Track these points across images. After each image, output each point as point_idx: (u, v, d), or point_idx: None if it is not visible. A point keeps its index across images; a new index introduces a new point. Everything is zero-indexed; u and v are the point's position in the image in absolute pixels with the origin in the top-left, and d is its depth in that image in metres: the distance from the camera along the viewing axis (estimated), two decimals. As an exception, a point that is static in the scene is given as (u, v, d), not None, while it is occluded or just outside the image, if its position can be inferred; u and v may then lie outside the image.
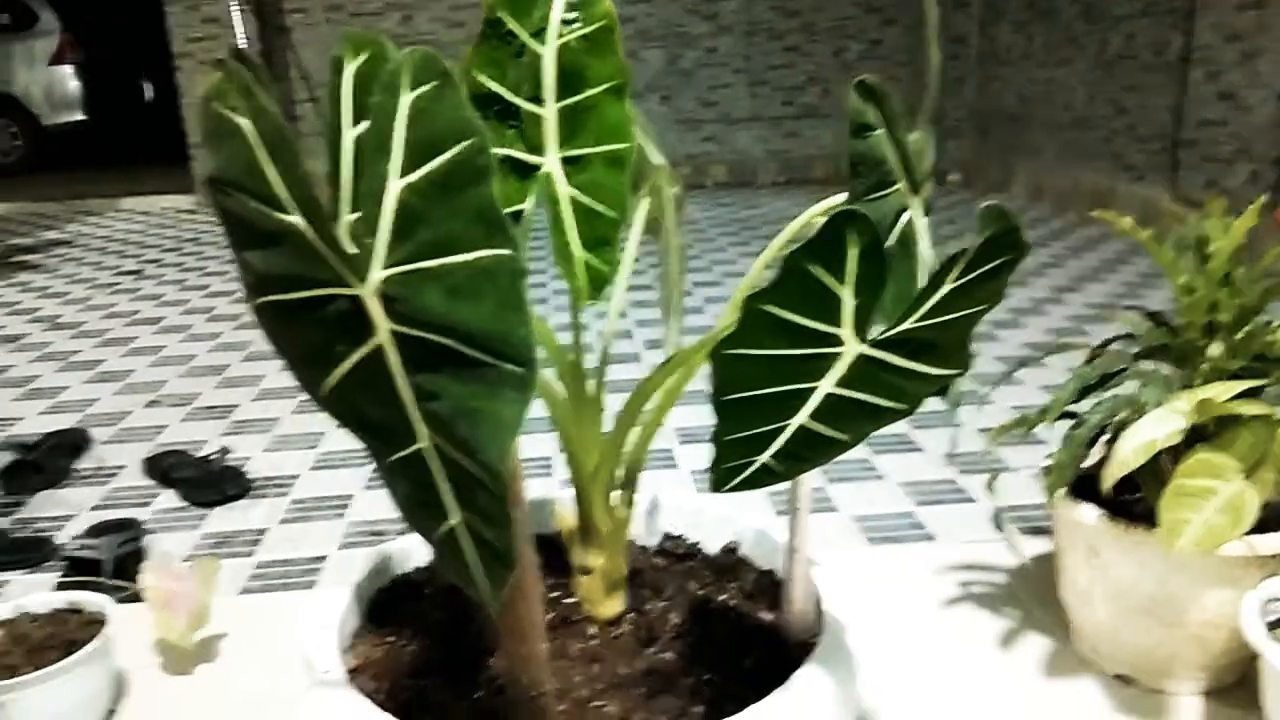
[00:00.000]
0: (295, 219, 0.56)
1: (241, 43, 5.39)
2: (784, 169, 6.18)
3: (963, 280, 0.57)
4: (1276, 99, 3.52)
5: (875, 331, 0.62)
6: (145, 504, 2.09)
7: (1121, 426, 1.23)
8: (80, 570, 1.74)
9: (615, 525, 0.87)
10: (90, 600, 1.35)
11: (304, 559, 1.85)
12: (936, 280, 0.57)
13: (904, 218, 0.77)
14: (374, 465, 0.70)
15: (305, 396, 2.56)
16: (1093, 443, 1.23)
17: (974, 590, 1.56)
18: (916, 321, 0.60)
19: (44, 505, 2.10)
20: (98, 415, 2.61)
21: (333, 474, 2.22)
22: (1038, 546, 1.67)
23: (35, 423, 2.56)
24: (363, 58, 0.68)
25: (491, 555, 0.64)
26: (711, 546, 1.06)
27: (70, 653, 1.23)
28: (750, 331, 0.61)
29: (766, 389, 0.68)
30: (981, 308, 0.61)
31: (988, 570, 1.62)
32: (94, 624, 1.32)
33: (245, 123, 0.55)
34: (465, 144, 0.56)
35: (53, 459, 2.27)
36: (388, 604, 0.97)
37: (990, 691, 1.31)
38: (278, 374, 2.91)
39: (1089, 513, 1.26)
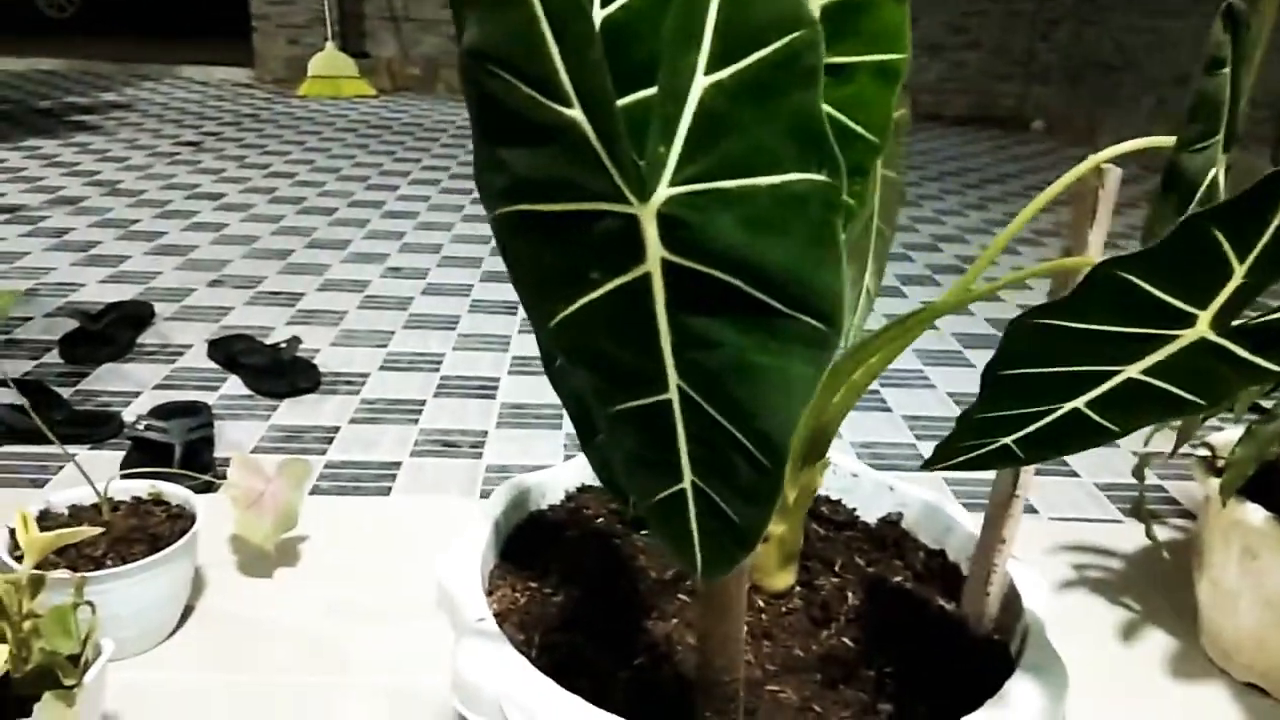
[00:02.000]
0: (576, 114, 0.46)
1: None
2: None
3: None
4: None
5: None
6: (212, 388, 2.02)
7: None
8: (147, 452, 1.68)
9: (802, 494, 0.77)
10: (174, 492, 1.28)
11: (377, 462, 1.78)
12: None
13: (1211, 175, 0.65)
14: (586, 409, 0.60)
15: (375, 293, 2.48)
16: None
17: (1089, 575, 1.47)
18: (1300, 310, 0.49)
19: (107, 379, 2.03)
20: (160, 290, 2.54)
21: (403, 376, 2.14)
22: (1162, 533, 1.58)
23: (96, 290, 2.49)
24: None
25: (729, 533, 0.55)
26: (869, 515, 0.97)
27: (157, 547, 1.17)
28: (1087, 302, 0.51)
29: (1063, 368, 0.58)
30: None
31: (1104, 554, 1.53)
32: (178, 518, 1.25)
33: (528, -13, 0.44)
34: (792, 37, 0.45)
35: (118, 330, 2.20)
36: (526, 542, 0.89)
37: (1107, 688, 1.22)
38: (343, 264, 2.82)
39: (1255, 513, 1.16)
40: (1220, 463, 1.26)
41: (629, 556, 0.85)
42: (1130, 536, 1.57)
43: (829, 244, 0.47)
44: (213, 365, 2.13)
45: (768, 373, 0.48)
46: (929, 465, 0.72)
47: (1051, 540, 1.56)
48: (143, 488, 1.27)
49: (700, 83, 0.46)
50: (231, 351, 2.14)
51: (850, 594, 0.82)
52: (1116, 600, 1.41)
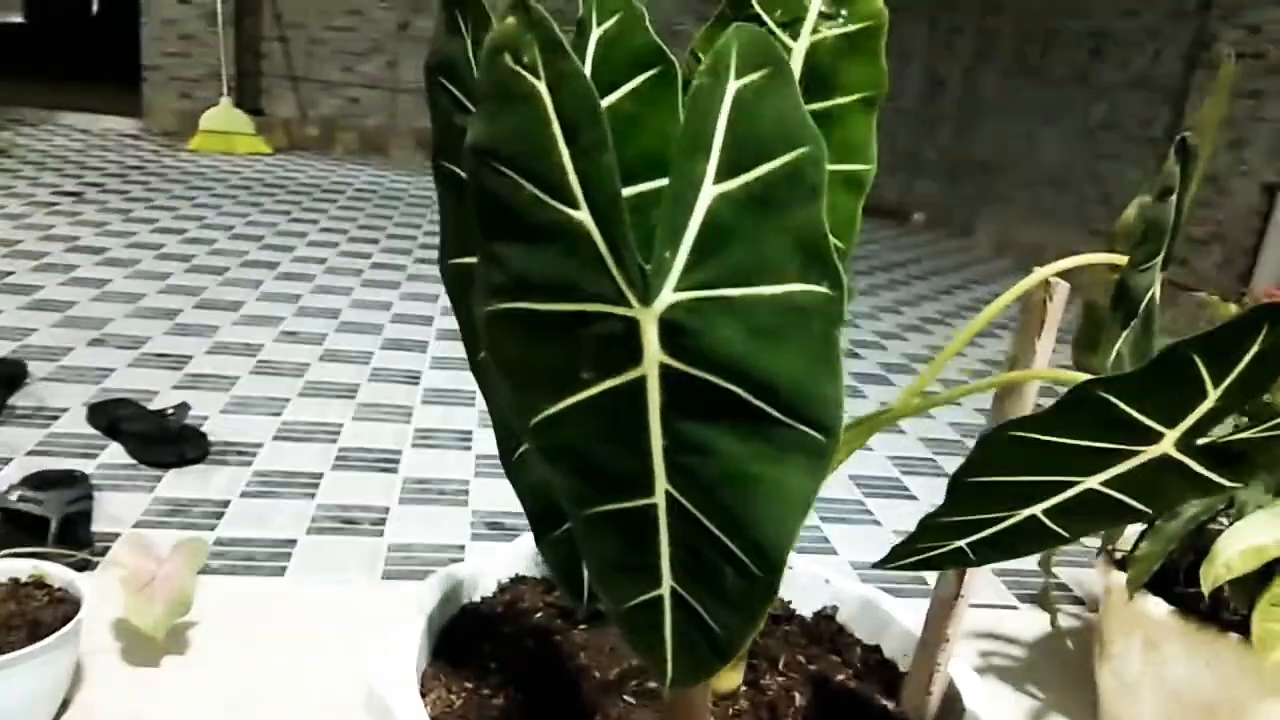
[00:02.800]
0: (582, 216, 0.45)
1: (215, -32, 5.10)
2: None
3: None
4: (1260, 189, 3.59)
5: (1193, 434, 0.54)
6: (90, 456, 1.90)
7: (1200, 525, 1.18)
8: (19, 525, 1.56)
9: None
10: (58, 574, 1.18)
11: (271, 540, 1.69)
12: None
13: (1150, 293, 0.68)
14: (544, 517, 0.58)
15: (268, 358, 2.39)
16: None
17: (994, 661, 1.50)
18: (1260, 432, 0.52)
19: (-25, 442, 1.89)
20: (35, 348, 2.39)
21: (298, 446, 2.06)
22: (1061, 620, 1.63)
23: (-36, 347, 2.33)
24: (610, 22, 0.57)
25: (708, 642, 0.54)
26: (804, 608, 0.97)
27: (37, 635, 1.07)
28: (1063, 417, 0.52)
29: (1033, 476, 0.59)
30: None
31: (1005, 640, 1.56)
32: (60, 602, 1.16)
33: (542, 88, 0.43)
34: (798, 153, 0.46)
35: (-13, 391, 2.05)
36: (460, 638, 0.85)
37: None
38: (235, 326, 2.72)
39: (1157, 606, 1.21)
40: (1119, 555, 1.31)
41: (570, 654, 0.82)
42: (1029, 623, 1.61)
43: (830, 356, 0.47)
44: (92, 431, 2.00)
45: (764, 483, 0.48)
46: (884, 564, 0.72)
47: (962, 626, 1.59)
48: (23, 568, 1.18)
49: (709, 191, 0.46)
50: (113, 417, 2.02)
51: (796, 694, 0.82)
52: (1020, 687, 1.44)
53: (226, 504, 1.79)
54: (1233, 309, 1.22)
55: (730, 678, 0.80)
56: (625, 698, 0.79)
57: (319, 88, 5.67)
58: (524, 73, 0.44)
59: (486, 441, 2.18)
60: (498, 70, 0.44)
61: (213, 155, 5.16)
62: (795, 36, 0.66)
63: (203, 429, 2.04)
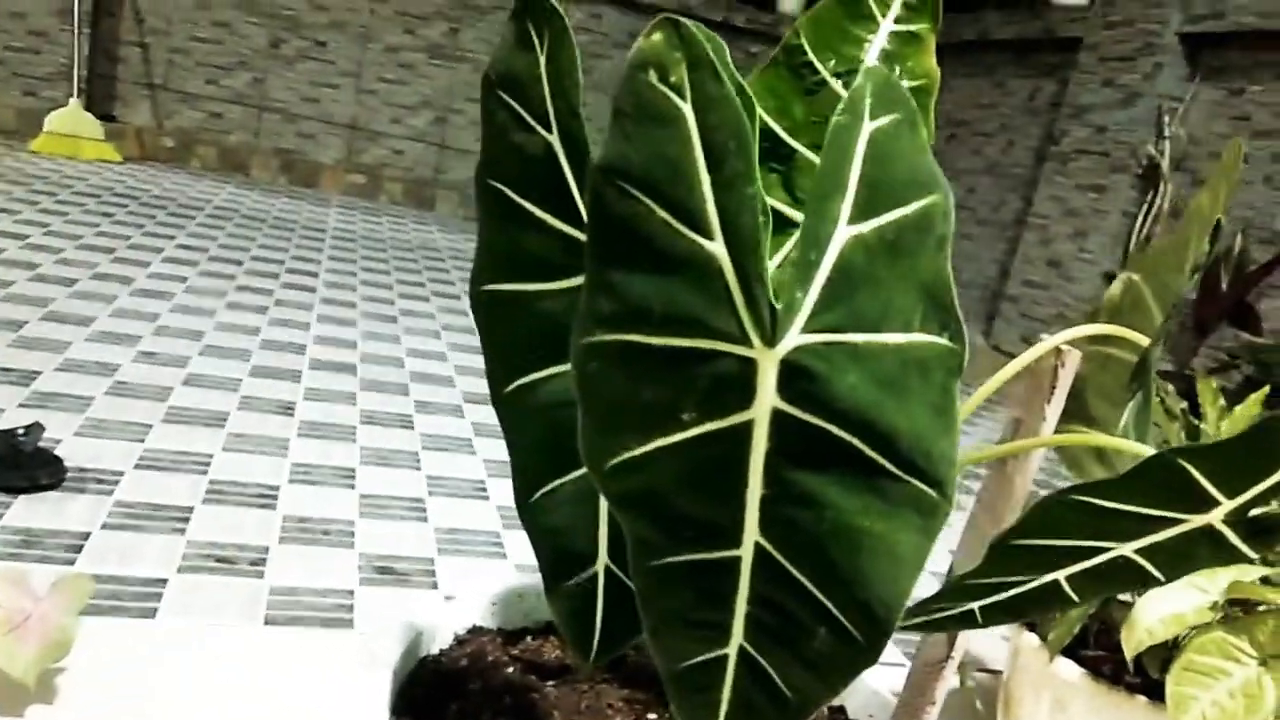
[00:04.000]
0: (716, 248, 0.42)
1: (76, -37, 4.80)
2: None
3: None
4: (1101, 276, 3.88)
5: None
6: (-76, 477, 1.70)
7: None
8: None
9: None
10: (-86, 610, 1.04)
11: (138, 579, 1.55)
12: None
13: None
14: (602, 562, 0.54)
15: (126, 379, 2.22)
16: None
17: (896, 720, 1.52)
18: (1308, 505, 0.54)
19: None
20: None
21: (164, 476, 1.90)
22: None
23: None
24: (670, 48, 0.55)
25: (775, 705, 0.51)
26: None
27: (-108, 681, 0.94)
28: (1138, 483, 0.53)
29: (1070, 541, 0.59)
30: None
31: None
32: (-84, 642, 1.02)
33: (688, 110, 0.41)
34: (930, 200, 0.45)
35: None
36: (423, 694, 0.79)
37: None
38: (87, 343, 2.51)
39: (1068, 668, 1.25)
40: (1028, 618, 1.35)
41: (545, 713, 0.77)
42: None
43: (948, 409, 0.46)
44: (-74, 449, 1.80)
45: (874, 538, 0.46)
46: (900, 626, 0.71)
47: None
48: None
49: (844, 232, 0.44)
50: (-46, 434, 1.82)
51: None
52: (922, 747, 1.46)
53: (86, 536, 1.63)
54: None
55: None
56: (610, 760, 0.74)
57: (178, 98, 5.39)
58: (669, 92, 0.42)
59: (371, 479, 2.08)
60: (640, 88, 0.42)
61: (57, 159, 4.81)
62: (848, 88, 0.66)
63: (57, 452, 1.86)
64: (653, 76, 0.42)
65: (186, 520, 1.76)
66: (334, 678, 1.36)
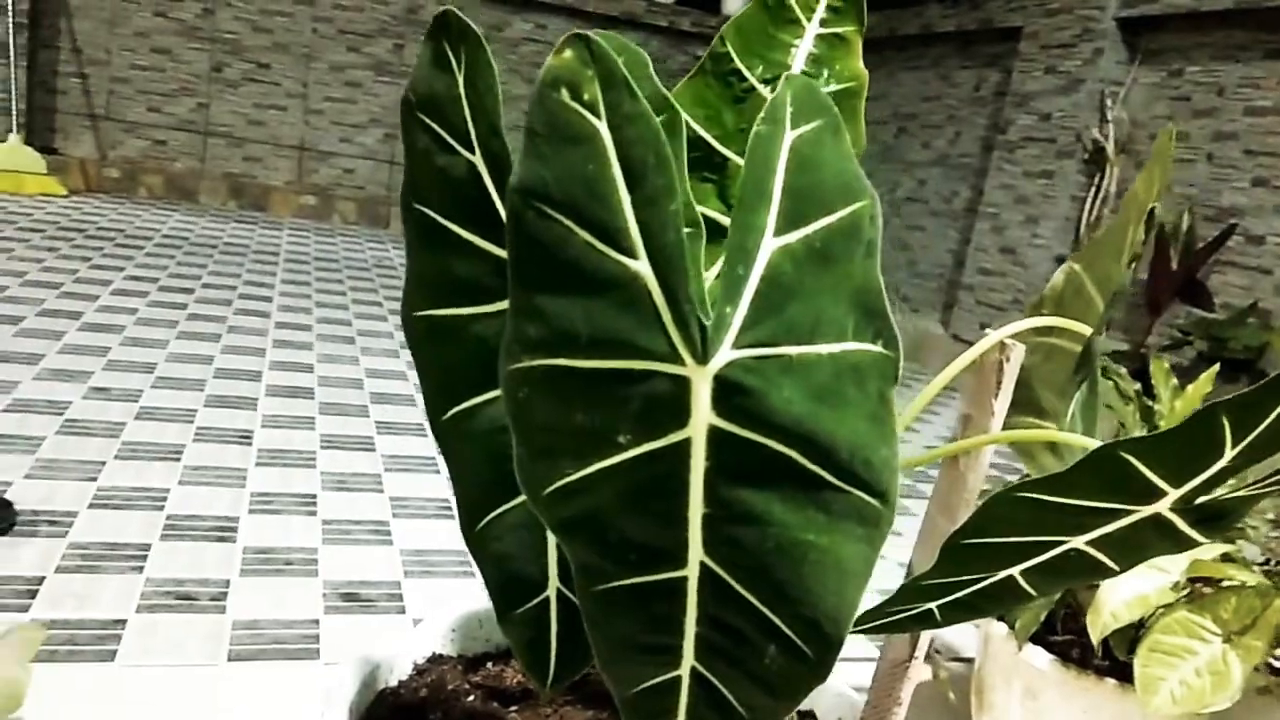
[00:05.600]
0: (640, 267, 0.41)
1: (8, 5, 4.71)
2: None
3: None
4: (1054, 260, 3.92)
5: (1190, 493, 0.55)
6: None
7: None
8: None
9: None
10: None
11: (96, 621, 1.51)
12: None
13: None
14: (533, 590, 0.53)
15: (77, 417, 2.17)
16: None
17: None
18: (1251, 490, 0.54)
19: None
20: None
21: (120, 515, 1.86)
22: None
23: None
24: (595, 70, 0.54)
25: (733, 723, 0.50)
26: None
27: None
28: (1083, 477, 0.52)
29: (1021, 538, 0.59)
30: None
31: (880, 696, 1.58)
32: None
33: (603, 128, 0.40)
34: (856, 206, 0.44)
35: None
36: (380, 728, 0.77)
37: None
38: (35, 381, 2.46)
39: (1038, 656, 1.25)
40: (995, 607, 1.36)
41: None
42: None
43: (885, 418, 0.45)
44: None
45: (819, 552, 0.45)
46: (854, 629, 0.70)
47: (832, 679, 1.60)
48: None
49: (770, 244, 0.43)
50: (-103, 484, 1.77)
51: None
52: (899, 743, 1.46)
53: (41, 580, 1.59)
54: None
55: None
56: (576, 784, 0.73)
57: (121, 128, 5.31)
58: (583, 110, 0.41)
59: (332, 505, 2.05)
60: (553, 107, 0.41)
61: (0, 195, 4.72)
62: (777, 93, 0.65)
63: (6, 495, 1.82)
64: (565, 95, 0.41)
65: (144, 558, 1.72)
66: (299, 713, 1.33)
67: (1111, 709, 1.19)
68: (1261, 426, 0.48)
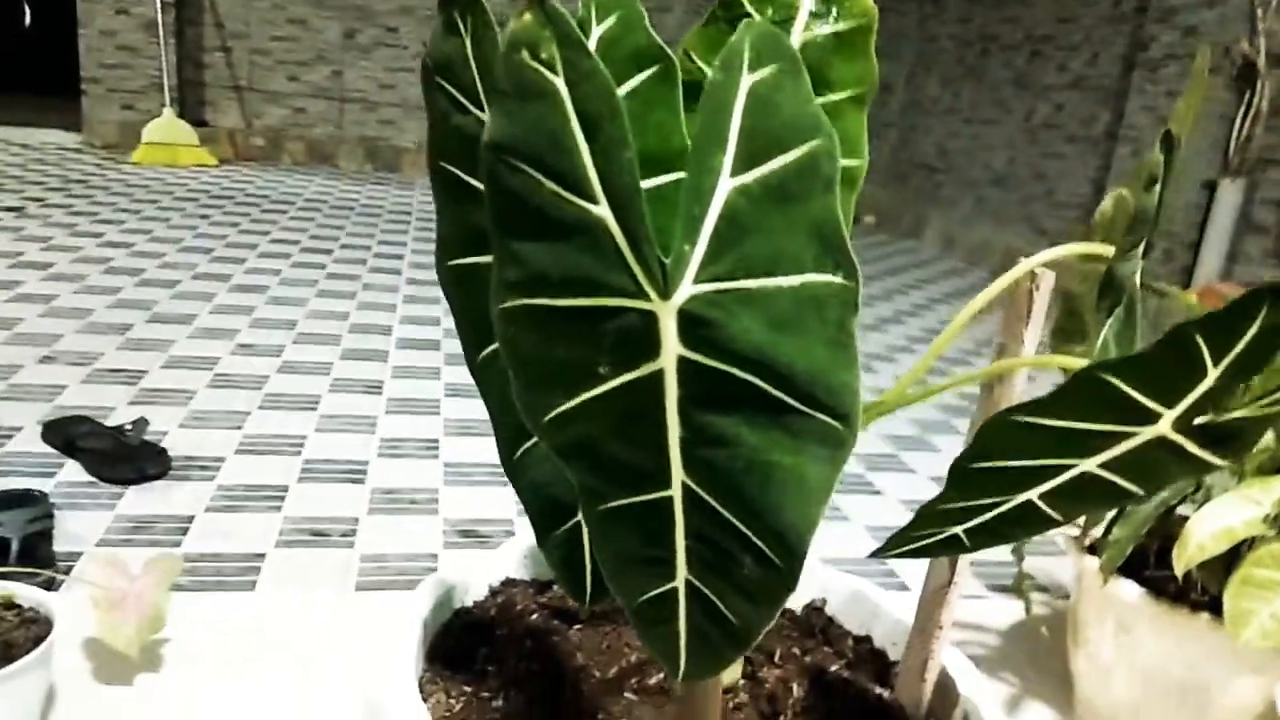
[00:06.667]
0: (601, 210, 0.45)
1: (155, -23, 5.01)
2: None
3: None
4: (1200, 186, 3.69)
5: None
6: (48, 475, 1.86)
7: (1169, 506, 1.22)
8: (-24, 547, 1.52)
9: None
10: (28, 594, 1.16)
11: (239, 554, 1.67)
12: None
13: (1134, 280, 0.70)
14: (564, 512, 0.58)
15: (225, 371, 2.35)
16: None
17: (969, 651, 1.53)
18: (1254, 410, 0.53)
19: (-75, 465, 1.84)
20: (-17, 366, 2.32)
21: (262, 460, 2.03)
22: (1016, 607, 1.66)
23: (-93, 367, 2.26)
24: (610, 22, 0.57)
25: (724, 633, 0.54)
26: (794, 601, 0.97)
27: (10, 657, 1.05)
28: (1066, 401, 0.53)
29: (1028, 461, 0.60)
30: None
31: (978, 629, 1.59)
32: (31, 623, 1.13)
33: (560, 84, 0.44)
34: (813, 144, 0.47)
35: (-65, 412, 1.99)
36: (455, 642, 0.85)
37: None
38: (189, 340, 2.67)
39: (1128, 589, 1.23)
40: (1088, 540, 1.34)
41: (568, 654, 0.82)
42: (1001, 612, 1.64)
43: (846, 344, 0.48)
44: (48, 449, 1.96)
45: (784, 471, 0.48)
46: (879, 553, 0.73)
47: (928, 619, 1.61)
48: (-12, 589, 1.15)
49: (726, 184, 0.46)
50: (70, 434, 1.97)
51: (794, 685, 0.82)
52: (994, 675, 1.47)
53: (191, 519, 1.76)
54: (1194, 299, 1.25)
55: (730, 671, 0.81)
56: (626, 694, 0.79)
57: (264, 98, 5.59)
58: (542, 69, 0.44)
59: (454, 449, 2.17)
60: (515, 67, 0.45)
61: (157, 168, 5.06)
62: (787, 35, 0.67)
63: (162, 444, 2.00)
64: (526, 55, 0.44)
65: (283, 499, 1.87)
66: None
67: (1204, 643, 1.17)
68: (1240, 346, 0.48)
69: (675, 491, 0.52)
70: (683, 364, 0.48)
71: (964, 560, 0.82)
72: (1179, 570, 1.10)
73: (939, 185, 5.62)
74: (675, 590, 0.54)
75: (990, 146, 5.16)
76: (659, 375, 0.49)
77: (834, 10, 0.65)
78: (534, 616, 0.86)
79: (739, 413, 0.49)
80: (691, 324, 0.47)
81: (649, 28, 0.58)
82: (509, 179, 0.46)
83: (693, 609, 0.55)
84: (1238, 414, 0.54)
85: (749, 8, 0.67)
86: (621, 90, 0.57)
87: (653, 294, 0.47)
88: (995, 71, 5.15)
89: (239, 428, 2.17)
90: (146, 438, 2.01)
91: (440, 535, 1.80)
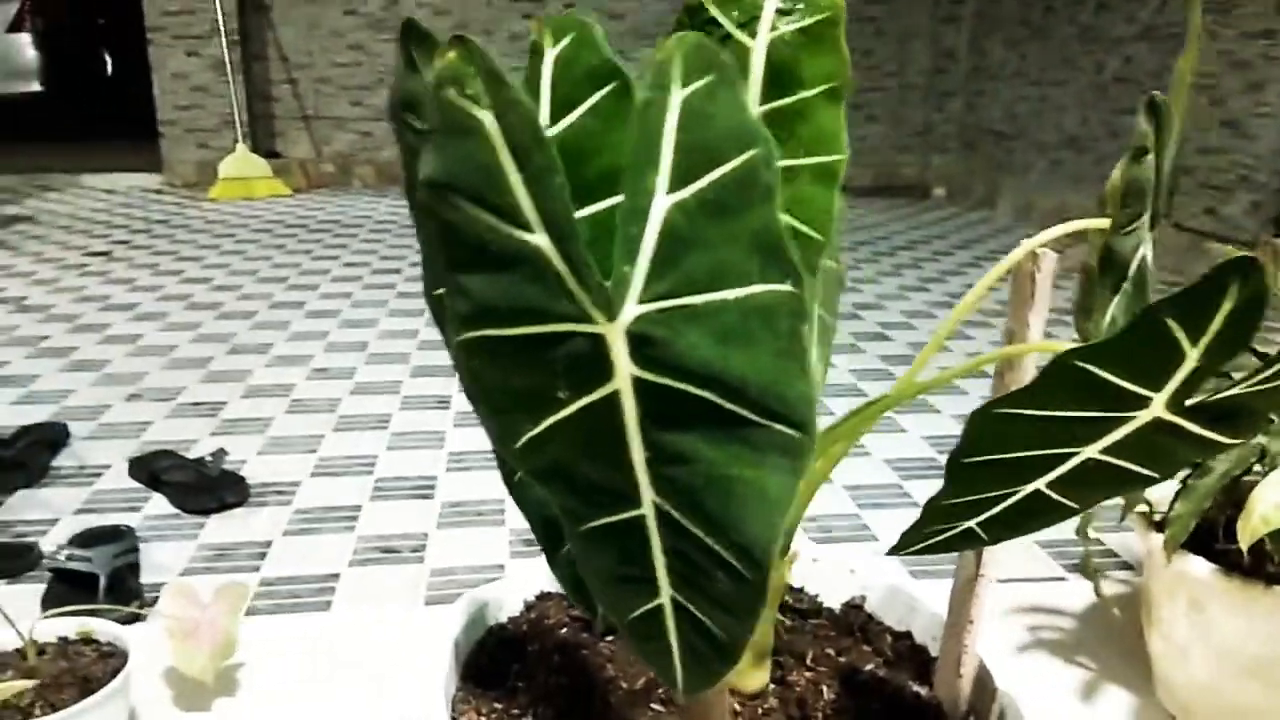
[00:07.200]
0: (539, 239, 0.45)
1: (219, 20, 5.19)
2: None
3: (1329, 346, 0.49)
4: (1283, 131, 3.52)
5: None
6: (135, 509, 1.94)
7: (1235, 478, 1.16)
8: (69, 583, 1.60)
9: (772, 592, 0.77)
10: (104, 629, 1.21)
11: (314, 576, 1.72)
12: (1306, 346, 0.48)
13: (1140, 254, 0.68)
14: (554, 530, 0.59)
15: (301, 396, 2.42)
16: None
17: (1043, 636, 1.49)
18: (1247, 387, 0.51)
19: (23, 507, 1.94)
20: (75, 409, 2.44)
21: (335, 481, 2.09)
22: (1108, 588, 1.60)
23: (7, 414, 2.38)
24: (565, 43, 0.57)
25: (711, 647, 0.54)
26: (832, 600, 0.96)
27: (88, 691, 1.10)
28: (1046, 390, 0.52)
29: (1024, 452, 0.58)
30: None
31: (1054, 613, 1.54)
32: (109, 657, 1.19)
33: (488, 117, 0.44)
34: (749, 155, 0.46)
35: (31, 455, 2.10)
36: (488, 659, 0.86)
37: (1084, 751, 1.23)
38: (267, 369, 2.76)
39: (1199, 566, 1.19)
40: (1158, 517, 1.29)
41: (597, 667, 0.83)
42: (1077, 594, 1.59)
43: (798, 353, 0.47)
44: (135, 485, 2.05)
45: (745, 484, 0.48)
46: (895, 551, 0.72)
47: (1000, 604, 1.57)
48: (70, 626, 1.21)
49: (662, 202, 0.46)
50: (154, 469, 2.06)
51: (825, 688, 0.81)
52: (1071, 660, 1.42)
53: (269, 544, 1.82)
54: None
55: (756, 678, 0.80)
56: (653, 705, 0.79)
57: (331, 125, 5.74)
58: (469, 104, 0.45)
59: (519, 459, 2.19)
60: (443, 104, 0.45)
61: (234, 202, 5.24)
62: (753, 35, 0.66)
63: (241, 472, 2.08)
64: (453, 92, 0.45)
65: (356, 518, 1.93)
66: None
67: (1275, 619, 1.12)
68: (1216, 324, 0.46)
69: (648, 510, 0.52)
70: (637, 384, 0.48)
71: (989, 552, 0.80)
72: (1244, 543, 1.06)
73: (1010, 151, 5.47)
74: (661, 607, 0.54)
75: (1060, 107, 4.99)
76: (616, 396, 0.49)
77: (799, 5, 0.64)
78: (565, 630, 0.87)
79: (696, 429, 0.48)
80: (640, 344, 0.47)
81: (603, 46, 0.58)
82: (448, 214, 0.47)
83: (681, 624, 0.55)
84: (1232, 393, 0.51)
85: (714, 11, 0.66)
86: (578, 110, 0.57)
87: (598, 317, 0.47)
88: (1060, 28, 4.98)
89: (314, 451, 2.23)
90: (226, 467, 2.08)
91: (506, 546, 1.83)
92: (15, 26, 7.53)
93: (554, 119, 0.57)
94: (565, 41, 0.58)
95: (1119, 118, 4.56)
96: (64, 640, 1.20)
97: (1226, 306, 0.45)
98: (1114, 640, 1.45)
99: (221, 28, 5.21)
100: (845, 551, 0.99)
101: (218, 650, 1.25)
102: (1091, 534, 1.81)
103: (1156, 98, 0.61)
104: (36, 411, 2.40)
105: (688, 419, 0.48)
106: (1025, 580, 1.70)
